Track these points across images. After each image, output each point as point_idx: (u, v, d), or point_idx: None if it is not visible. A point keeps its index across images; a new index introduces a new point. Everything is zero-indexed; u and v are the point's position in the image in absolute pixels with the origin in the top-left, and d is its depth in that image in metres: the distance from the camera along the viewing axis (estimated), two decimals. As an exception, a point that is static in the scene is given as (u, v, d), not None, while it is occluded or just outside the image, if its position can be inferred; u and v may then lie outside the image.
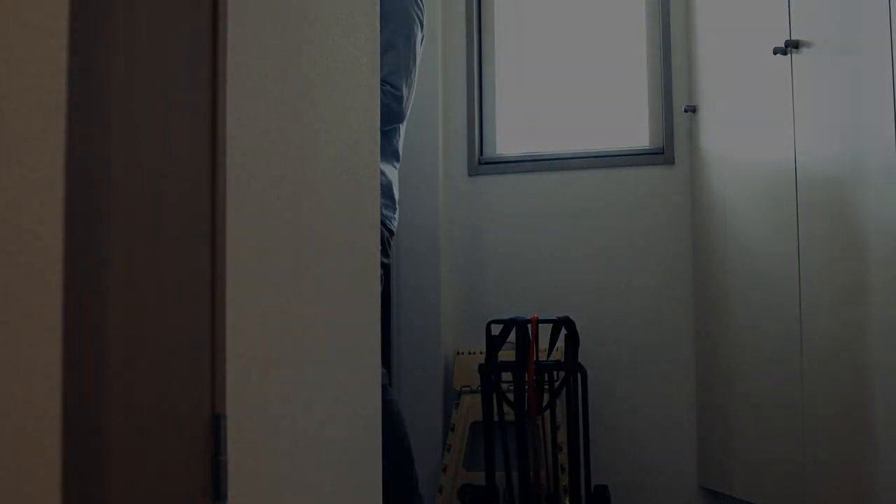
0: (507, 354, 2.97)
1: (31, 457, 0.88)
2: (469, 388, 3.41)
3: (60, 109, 0.90)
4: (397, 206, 2.63)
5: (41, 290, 0.89)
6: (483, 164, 3.75)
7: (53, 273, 0.89)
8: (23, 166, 0.90)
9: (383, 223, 2.48)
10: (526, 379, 2.88)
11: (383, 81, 2.50)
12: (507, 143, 3.81)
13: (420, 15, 2.67)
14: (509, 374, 2.96)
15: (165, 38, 1.11)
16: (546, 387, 3.00)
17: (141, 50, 1.05)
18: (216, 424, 1.16)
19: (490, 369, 2.93)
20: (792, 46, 2.53)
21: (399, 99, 2.58)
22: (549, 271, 3.59)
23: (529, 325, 2.90)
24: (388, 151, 2.59)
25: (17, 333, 0.89)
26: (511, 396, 2.98)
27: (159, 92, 1.09)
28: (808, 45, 2.49)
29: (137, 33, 1.05)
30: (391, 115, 2.56)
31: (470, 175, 3.73)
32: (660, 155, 3.59)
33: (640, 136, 3.68)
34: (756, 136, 2.86)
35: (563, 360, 2.96)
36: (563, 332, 2.99)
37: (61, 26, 0.91)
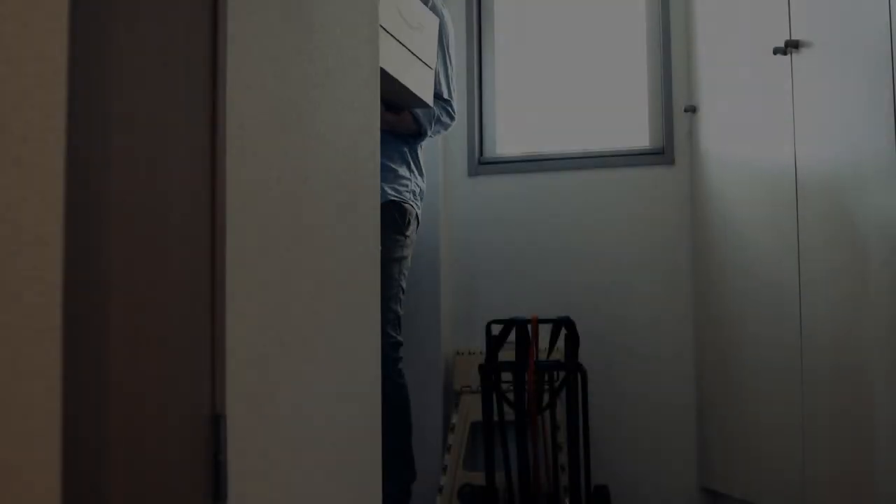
0: (507, 354, 2.97)
1: (31, 457, 0.88)
2: (469, 388, 3.41)
3: (60, 109, 0.90)
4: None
5: (41, 290, 0.89)
6: (483, 164, 3.75)
7: (53, 273, 0.89)
8: (23, 166, 0.90)
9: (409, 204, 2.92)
10: (526, 379, 2.88)
11: (448, 102, 3.05)
12: (507, 143, 3.81)
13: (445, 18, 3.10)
14: (509, 374, 2.96)
15: (165, 38, 1.11)
16: (546, 387, 3.00)
17: (141, 50, 1.05)
18: (216, 424, 1.16)
19: (490, 369, 2.93)
20: (792, 46, 2.53)
21: (453, 116, 3.09)
22: (549, 271, 3.59)
23: (529, 325, 2.90)
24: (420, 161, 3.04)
25: (18, 333, 0.89)
26: (511, 396, 2.98)
27: (159, 92, 1.09)
28: (808, 45, 2.49)
29: (137, 33, 1.05)
30: (445, 128, 3.10)
31: (470, 175, 3.73)
32: (660, 155, 3.59)
33: (639, 136, 3.68)
34: (756, 136, 2.86)
35: (563, 360, 2.96)
36: (563, 332, 2.99)
37: (61, 26, 0.91)
